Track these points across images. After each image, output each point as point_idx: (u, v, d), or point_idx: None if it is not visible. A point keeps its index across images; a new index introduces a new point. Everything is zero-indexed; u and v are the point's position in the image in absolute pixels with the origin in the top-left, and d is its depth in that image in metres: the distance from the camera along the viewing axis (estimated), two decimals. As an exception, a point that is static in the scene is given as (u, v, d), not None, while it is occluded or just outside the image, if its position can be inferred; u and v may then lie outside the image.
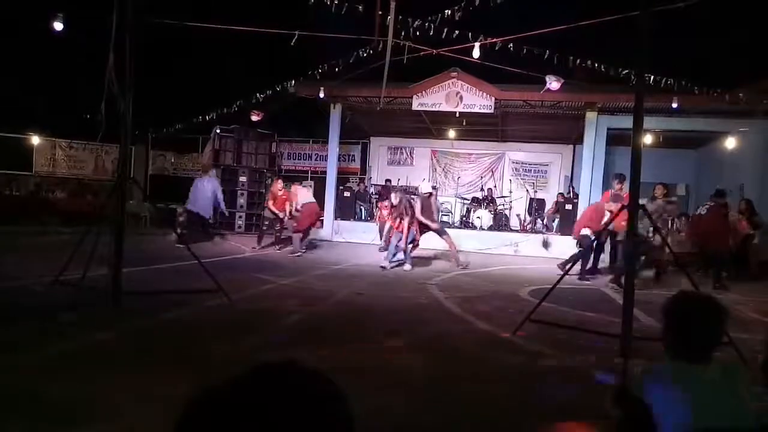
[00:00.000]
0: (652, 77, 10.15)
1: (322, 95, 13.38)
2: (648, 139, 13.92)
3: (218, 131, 16.20)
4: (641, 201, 4.71)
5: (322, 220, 13.15)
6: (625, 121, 8.32)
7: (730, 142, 13.67)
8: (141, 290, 5.56)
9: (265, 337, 4.35)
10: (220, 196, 12.36)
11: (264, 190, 16.61)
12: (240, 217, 16.03)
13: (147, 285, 6.01)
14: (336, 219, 14.22)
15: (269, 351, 3.94)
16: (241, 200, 16.08)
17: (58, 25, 9.27)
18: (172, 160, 19.19)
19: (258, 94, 12.71)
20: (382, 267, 9.06)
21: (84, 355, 3.65)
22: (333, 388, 0.72)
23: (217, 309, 5.21)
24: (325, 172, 15.35)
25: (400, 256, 9.48)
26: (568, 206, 13.73)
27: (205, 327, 4.59)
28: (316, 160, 18.67)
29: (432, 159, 18.34)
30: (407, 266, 9.26)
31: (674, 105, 11.91)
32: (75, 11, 10.21)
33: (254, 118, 14.52)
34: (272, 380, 0.71)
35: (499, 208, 15.23)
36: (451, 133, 16.96)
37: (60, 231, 11.51)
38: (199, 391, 0.69)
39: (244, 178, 16.16)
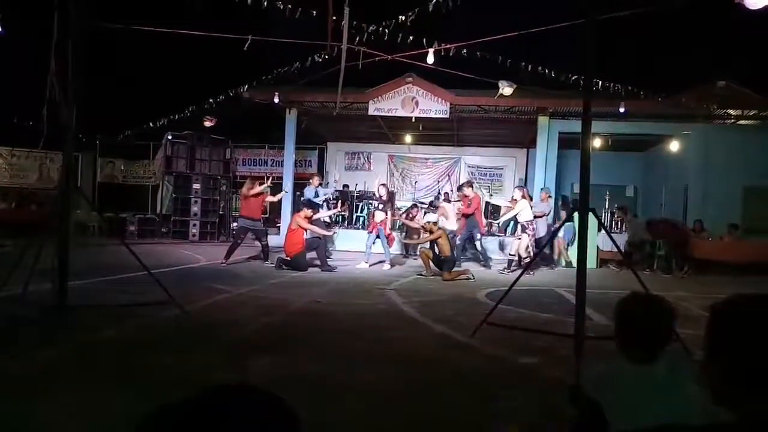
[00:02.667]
0: (600, 83, 10.48)
1: (276, 100, 13.26)
2: (597, 142, 14.38)
3: (170, 137, 15.81)
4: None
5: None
6: (576, 125, 8.61)
7: (674, 145, 14.27)
8: (88, 303, 5.34)
9: (219, 349, 4.24)
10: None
11: (218, 197, 16.31)
12: (194, 225, 15.67)
13: (95, 298, 5.78)
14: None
15: (224, 364, 3.83)
16: (195, 208, 15.72)
17: (-5, 28, 8.85)
18: (122, 168, 18.62)
19: (211, 100, 12.47)
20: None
21: (26, 375, 3.46)
22: (286, 410, 0.71)
23: (169, 321, 5.05)
24: (281, 178, 15.18)
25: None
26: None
27: (156, 341, 4.44)
28: (272, 165, 18.46)
29: (389, 164, 18.41)
30: (387, 266, 10.08)
31: (621, 109, 12.35)
32: (13, 11, 9.76)
33: (207, 123, 14.26)
34: (224, 402, 0.69)
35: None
36: (408, 138, 17.07)
37: (1, 243, 10.97)
38: (148, 415, 0.66)
39: (198, 185, 15.82)
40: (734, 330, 0.91)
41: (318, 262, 9.47)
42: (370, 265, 10.06)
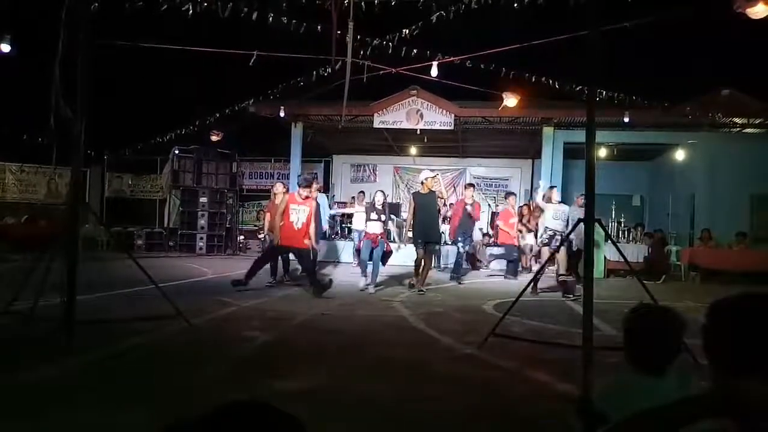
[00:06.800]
0: (604, 92, 10.47)
1: (282, 114, 13.34)
2: (602, 152, 14.35)
3: (177, 152, 15.94)
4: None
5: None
6: (581, 136, 8.55)
7: (680, 154, 14.23)
8: (96, 318, 5.36)
9: (227, 364, 4.24)
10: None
11: (225, 211, 16.36)
12: (201, 238, 15.74)
13: (103, 313, 5.80)
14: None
15: (231, 380, 3.83)
16: (202, 221, 15.80)
17: (5, 47, 8.97)
18: (130, 182, 18.74)
19: (217, 114, 12.56)
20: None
21: (34, 391, 3.47)
22: (298, 427, 0.71)
23: (176, 335, 5.06)
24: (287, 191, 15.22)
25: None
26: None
27: (163, 356, 4.45)
28: (278, 178, 18.47)
29: (395, 176, 18.45)
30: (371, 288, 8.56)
31: (626, 119, 12.33)
32: (23, 30, 9.91)
33: (214, 138, 14.34)
34: (237, 421, 0.69)
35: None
36: (413, 150, 17.12)
37: (11, 259, 11.04)
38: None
39: (205, 198, 15.91)
40: (735, 326, 0.93)
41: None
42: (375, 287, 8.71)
